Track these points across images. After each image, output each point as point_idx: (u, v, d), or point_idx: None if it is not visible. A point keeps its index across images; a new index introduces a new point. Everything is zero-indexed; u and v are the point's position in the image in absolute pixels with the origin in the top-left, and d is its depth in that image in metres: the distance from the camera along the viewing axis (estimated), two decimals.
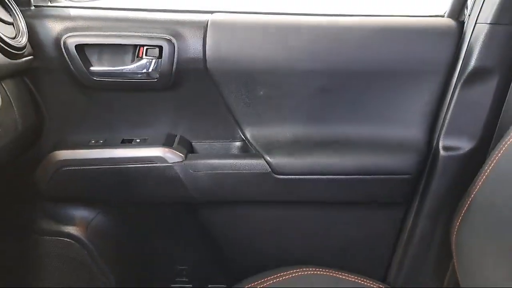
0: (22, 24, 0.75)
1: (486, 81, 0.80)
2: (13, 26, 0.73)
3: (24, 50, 0.73)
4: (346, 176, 0.85)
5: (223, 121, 0.88)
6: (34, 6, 0.82)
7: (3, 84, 0.72)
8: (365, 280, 0.82)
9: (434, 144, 0.85)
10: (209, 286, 0.99)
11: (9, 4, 0.74)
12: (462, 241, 0.73)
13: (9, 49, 0.68)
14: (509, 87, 0.79)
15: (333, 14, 0.86)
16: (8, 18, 0.73)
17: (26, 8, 0.80)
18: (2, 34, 0.67)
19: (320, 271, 0.81)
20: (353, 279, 0.81)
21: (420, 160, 0.85)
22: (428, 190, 0.87)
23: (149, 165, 0.83)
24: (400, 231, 0.93)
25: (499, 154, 0.66)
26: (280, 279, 0.78)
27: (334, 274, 0.81)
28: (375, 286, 0.81)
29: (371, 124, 0.87)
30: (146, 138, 0.86)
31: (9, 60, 0.69)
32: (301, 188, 0.86)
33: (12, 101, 0.73)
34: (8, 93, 0.72)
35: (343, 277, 0.81)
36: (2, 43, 0.67)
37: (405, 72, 0.84)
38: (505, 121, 0.80)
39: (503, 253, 0.63)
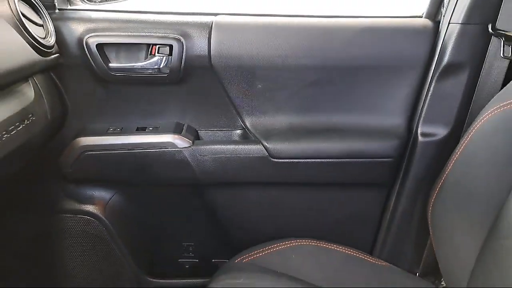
0: (50, 25, 0.86)
1: (458, 75, 0.90)
2: (43, 27, 0.84)
3: (53, 49, 0.84)
4: (335, 160, 0.95)
5: (225, 111, 0.98)
6: (58, 9, 0.93)
7: (35, 79, 0.83)
8: (353, 251, 0.92)
9: (413, 131, 0.96)
10: (213, 260, 1.09)
11: (39, 8, 0.85)
12: (436, 216, 0.83)
13: (41, 47, 0.79)
14: (478, 80, 0.89)
15: (322, 16, 0.96)
16: (39, 21, 0.83)
17: (52, 11, 0.90)
18: (36, 35, 0.78)
19: (312, 242, 0.91)
20: (342, 250, 0.92)
21: (401, 145, 0.96)
22: (408, 172, 0.97)
23: (161, 150, 0.93)
24: (383, 209, 1.03)
25: (467, 140, 0.76)
26: (276, 249, 0.88)
27: (324, 245, 0.91)
28: (362, 257, 0.92)
29: (357, 113, 0.97)
30: (158, 126, 0.96)
31: (41, 57, 0.79)
32: (295, 170, 0.96)
33: (42, 94, 0.84)
34: (39, 87, 0.83)
35: (333, 247, 0.91)
36: (36, 42, 0.77)
37: (387, 67, 0.94)
38: (474, 110, 0.90)
39: (470, 225, 0.73)
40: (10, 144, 0.70)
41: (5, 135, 0.68)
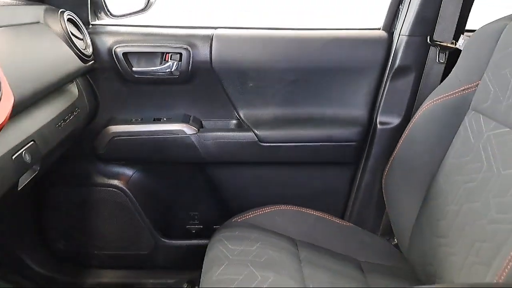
0: (87, 38, 1.10)
1: (407, 76, 1.14)
2: (83, 40, 1.08)
3: (90, 57, 1.08)
4: (311, 143, 1.19)
5: (223, 105, 1.22)
6: (91, 24, 1.17)
7: (77, 81, 1.07)
8: (325, 214, 1.16)
9: (373, 120, 1.20)
10: (214, 226, 1.33)
11: (79, 24, 1.09)
12: (388, 186, 1.05)
13: (83, 56, 1.03)
14: (421, 80, 1.14)
15: (299, 28, 1.19)
16: (79, 35, 1.08)
17: (87, 26, 1.15)
18: (79, 47, 1.02)
19: (293, 207, 1.14)
20: (316, 213, 1.15)
21: (363, 131, 1.20)
22: (370, 153, 1.22)
23: (173, 136, 1.17)
24: (351, 182, 1.28)
25: (410, 126, 0.99)
26: (263, 212, 1.12)
27: (302, 210, 1.15)
28: (332, 219, 1.16)
29: (328, 106, 1.21)
30: (170, 117, 1.20)
31: (82, 64, 1.04)
32: (279, 152, 1.20)
33: (83, 92, 1.08)
34: (80, 86, 1.08)
35: (309, 212, 1.15)
36: (79, 53, 1.02)
37: (352, 69, 1.18)
38: (418, 103, 1.15)
39: (411, 192, 0.95)
40: (65, 130, 0.94)
41: (62, 123, 0.93)
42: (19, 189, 0.77)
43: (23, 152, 0.75)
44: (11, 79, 0.66)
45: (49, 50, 0.91)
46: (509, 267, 0.62)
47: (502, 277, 0.62)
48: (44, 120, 0.85)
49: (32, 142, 0.78)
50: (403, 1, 1.13)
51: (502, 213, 0.71)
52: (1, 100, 0.61)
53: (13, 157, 0.71)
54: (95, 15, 1.18)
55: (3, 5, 0.86)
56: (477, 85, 0.85)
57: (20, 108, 0.73)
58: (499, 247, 0.68)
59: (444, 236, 0.84)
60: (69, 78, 0.98)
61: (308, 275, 0.88)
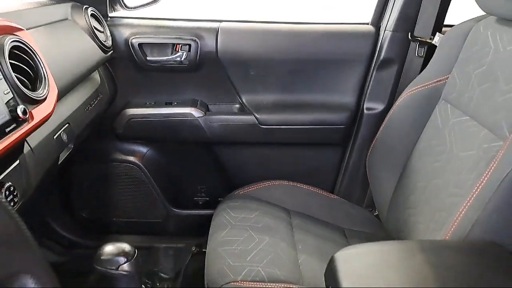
0: (107, 31, 1.24)
1: (390, 67, 1.28)
2: (104, 33, 1.22)
3: (110, 48, 1.23)
4: (305, 126, 1.34)
5: (228, 91, 1.36)
6: (109, 17, 1.31)
7: (99, 69, 1.22)
8: (317, 189, 1.32)
9: (361, 106, 1.34)
10: (219, 198, 1.49)
11: (100, 18, 1.22)
12: (371, 164, 1.19)
13: (104, 48, 1.17)
14: (402, 71, 1.28)
15: (296, 22, 1.33)
16: (100, 28, 1.21)
17: (106, 19, 1.28)
18: (101, 39, 1.16)
19: (288, 182, 1.30)
20: (309, 188, 1.30)
21: (352, 116, 1.34)
22: (357, 135, 1.37)
23: (182, 118, 1.32)
24: (340, 161, 1.44)
25: (391, 113, 1.11)
26: (262, 186, 1.28)
27: (296, 184, 1.31)
28: (322, 193, 1.31)
29: (321, 93, 1.35)
30: (180, 102, 1.35)
31: (104, 54, 1.18)
32: (277, 134, 1.35)
33: (104, 79, 1.23)
34: (102, 74, 1.23)
35: (303, 186, 1.31)
36: (101, 45, 1.16)
37: (342, 60, 1.31)
38: (399, 92, 1.29)
39: (390, 169, 1.07)
40: (91, 114, 1.10)
41: (89, 107, 1.08)
42: (59, 163, 0.94)
43: (61, 133, 0.90)
44: (53, 73, 0.81)
45: (78, 43, 1.05)
46: (453, 228, 0.77)
47: (448, 236, 0.78)
48: (76, 105, 1.01)
49: (67, 125, 0.94)
50: None
51: (458, 188, 0.85)
52: (49, 93, 0.76)
53: (54, 137, 0.87)
54: (112, 7, 1.32)
55: (37, 7, 1.00)
56: (447, 78, 0.97)
57: (60, 97, 0.88)
58: (451, 215, 0.83)
59: (414, 207, 0.97)
60: (95, 68, 1.12)
61: (298, 239, 1.04)
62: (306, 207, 1.19)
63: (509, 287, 0.63)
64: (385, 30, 1.26)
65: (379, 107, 1.32)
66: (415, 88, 1.03)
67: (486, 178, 0.74)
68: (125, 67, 1.31)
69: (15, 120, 0.65)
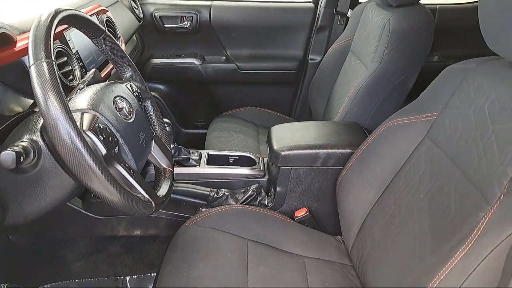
0: (140, 8, 1.89)
1: (323, 31, 1.96)
2: (138, 9, 1.87)
3: (142, 19, 1.88)
4: (269, 71, 2.03)
5: (218, 47, 2.04)
6: None
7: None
8: (281, 114, 2.03)
9: (306, 57, 2.03)
10: (211, 121, 2.20)
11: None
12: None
13: (139, 19, 1.83)
14: (331, 33, 1.97)
15: (262, 1, 1.99)
16: (136, 6, 1.87)
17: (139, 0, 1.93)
18: (137, 14, 1.82)
19: (258, 109, 2.01)
20: (274, 113, 2.02)
21: (300, 64, 2.03)
22: (304, 77, 2.07)
23: (187, 65, 2.01)
24: (294, 95, 2.14)
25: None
26: (239, 110, 1.99)
27: (266, 110, 2.02)
28: (283, 117, 2.02)
29: (280, 49, 2.02)
30: (186, 54, 2.01)
31: (138, 23, 1.84)
32: (250, 76, 2.04)
33: (137, 40, 1.90)
34: (136, 37, 1.89)
35: (272, 112, 2.01)
36: (138, 17, 1.81)
37: (295, 27, 1.98)
38: (327, 48, 1.99)
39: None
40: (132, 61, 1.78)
41: (132, 57, 1.76)
42: None
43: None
44: (122, 35, 1.48)
45: (128, 18, 1.72)
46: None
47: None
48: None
49: None
50: None
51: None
52: (121, 45, 1.44)
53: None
54: None
55: None
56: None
57: None
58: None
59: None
60: (135, 33, 1.79)
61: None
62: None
63: None
64: (320, 6, 1.94)
65: (318, 58, 2.01)
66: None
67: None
68: (150, 32, 1.98)
69: None
